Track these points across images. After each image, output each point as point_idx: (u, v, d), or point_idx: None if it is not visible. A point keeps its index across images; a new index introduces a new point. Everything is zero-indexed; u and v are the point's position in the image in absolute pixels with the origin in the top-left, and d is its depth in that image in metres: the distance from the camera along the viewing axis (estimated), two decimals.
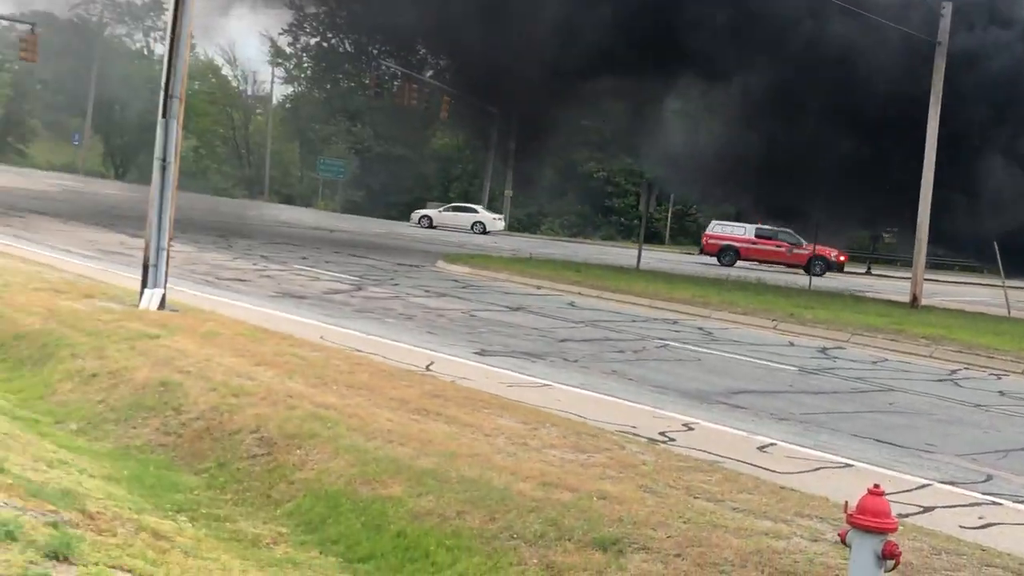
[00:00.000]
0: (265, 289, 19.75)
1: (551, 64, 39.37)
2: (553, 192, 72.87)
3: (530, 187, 71.23)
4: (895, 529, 5.41)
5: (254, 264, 24.58)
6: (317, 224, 49.69)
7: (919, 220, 28.83)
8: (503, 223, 61.08)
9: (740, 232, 46.39)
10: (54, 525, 5.34)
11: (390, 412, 9.11)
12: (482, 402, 9.98)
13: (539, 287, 25.73)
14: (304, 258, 27.97)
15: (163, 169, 14.00)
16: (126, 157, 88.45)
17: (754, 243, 45.90)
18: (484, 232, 57.78)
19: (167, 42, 14.33)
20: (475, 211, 60.81)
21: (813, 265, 41.05)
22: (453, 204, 63.43)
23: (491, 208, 68.24)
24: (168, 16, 14.37)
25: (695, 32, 35.20)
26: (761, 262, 45.30)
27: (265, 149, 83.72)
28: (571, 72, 39.87)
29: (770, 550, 6.28)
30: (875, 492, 5.44)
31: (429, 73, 67.39)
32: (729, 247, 45.96)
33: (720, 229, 47.12)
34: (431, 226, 59.28)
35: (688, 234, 73.45)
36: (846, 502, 5.54)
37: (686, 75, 41.27)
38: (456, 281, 25.61)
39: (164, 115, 13.97)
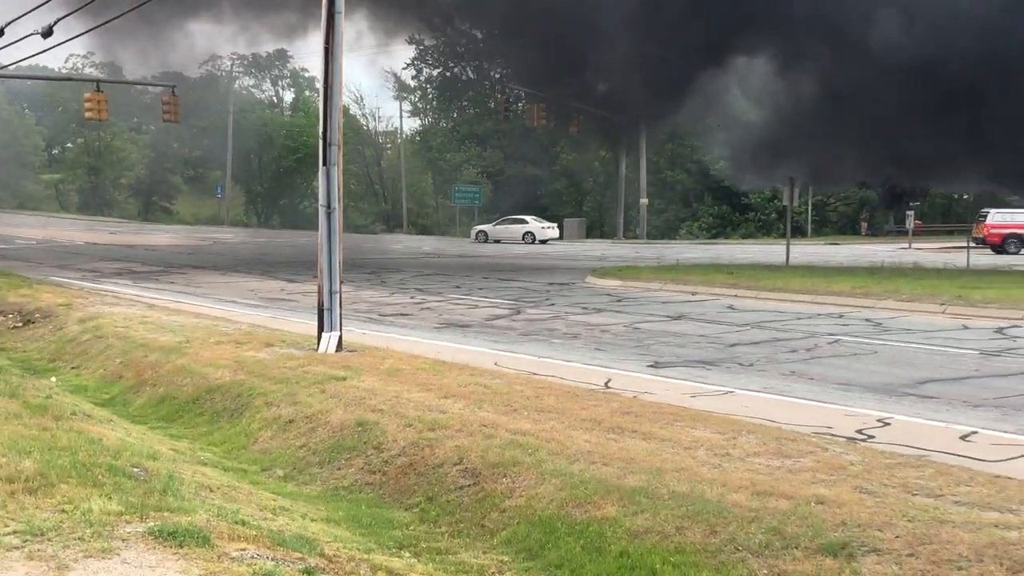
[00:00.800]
0: (428, 321, 20.13)
1: (660, 63, 38.75)
2: (689, 195, 72.41)
3: (667, 192, 70.98)
4: None
5: (411, 297, 25.06)
6: (461, 252, 50.39)
7: None
8: (555, 231, 63.19)
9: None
10: (308, 572, 5.58)
11: (585, 433, 9.21)
12: (672, 415, 10.01)
13: (694, 293, 25.58)
14: (457, 287, 28.39)
15: (328, 215, 14.44)
16: (267, 204, 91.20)
17: None
18: (535, 242, 60.41)
19: (321, 93, 14.79)
20: (525, 222, 63.39)
21: None
22: (506, 217, 65.66)
23: (628, 218, 68.28)
24: (320, 68, 14.83)
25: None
26: None
27: (399, 183, 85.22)
28: (677, 69, 39.14)
29: (1004, 542, 6.17)
30: None
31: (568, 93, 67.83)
32: (1014, 235, 44.75)
33: (1002, 218, 45.94)
34: (487, 240, 62.43)
35: (829, 223, 72.11)
36: None
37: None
38: (610, 295, 25.66)
39: (324, 163, 14.40)
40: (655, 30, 35.95)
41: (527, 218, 64.50)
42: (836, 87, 34.23)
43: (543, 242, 60.88)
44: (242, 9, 48.83)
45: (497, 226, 63.95)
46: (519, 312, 21.66)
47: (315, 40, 36.23)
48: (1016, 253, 42.87)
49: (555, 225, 63.98)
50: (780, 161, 39.17)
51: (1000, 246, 44.85)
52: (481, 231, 64.32)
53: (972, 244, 43.99)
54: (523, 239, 61.12)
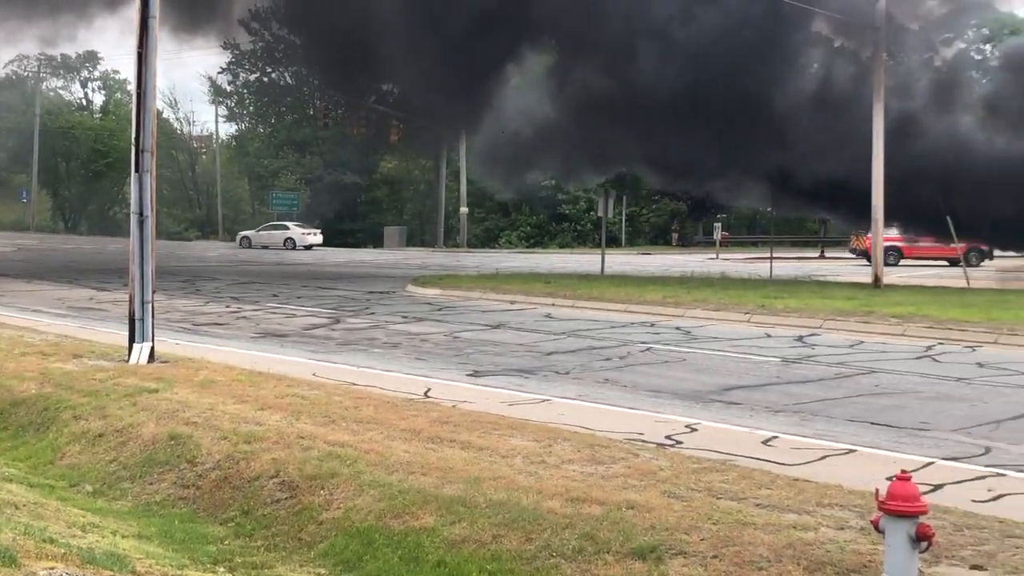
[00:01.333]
0: (245, 331, 19.80)
1: (454, 71, 38.82)
2: (508, 204, 73.23)
3: (487, 201, 71.54)
4: (926, 511, 5.67)
5: (227, 307, 24.59)
6: (279, 260, 49.67)
7: (874, 203, 29.31)
8: (318, 236, 64.68)
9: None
10: None
11: (405, 443, 9.26)
12: (490, 424, 10.15)
13: (513, 302, 25.95)
14: (275, 295, 28.01)
15: (141, 223, 14.05)
16: (76, 209, 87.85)
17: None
18: (295, 247, 62.17)
19: (134, 97, 14.40)
20: (287, 228, 65.25)
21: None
22: (268, 224, 67.81)
23: (448, 226, 68.60)
24: (132, 71, 14.45)
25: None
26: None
27: (215, 189, 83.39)
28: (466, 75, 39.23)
29: (801, 542, 6.50)
30: (903, 478, 5.69)
31: (372, 98, 67.46)
32: (892, 248, 46.37)
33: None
34: (250, 245, 64.22)
35: (642, 234, 74.09)
36: (876, 489, 5.79)
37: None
38: (431, 304, 25.77)
39: (137, 169, 14.02)
40: (444, 37, 35.84)
41: (288, 224, 66.20)
42: (606, 99, 34.81)
43: (307, 248, 62.36)
44: (47, 10, 46.82)
45: (260, 232, 65.90)
46: (338, 321, 21.52)
47: (129, 42, 35.29)
48: (894, 264, 45.09)
49: (318, 231, 65.60)
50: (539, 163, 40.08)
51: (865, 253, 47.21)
52: (245, 236, 66.33)
53: (852, 255, 47.57)
54: (284, 245, 62.73)
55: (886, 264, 45.29)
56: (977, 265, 42.97)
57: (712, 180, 40.82)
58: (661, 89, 32.52)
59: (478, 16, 34.63)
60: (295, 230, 64.55)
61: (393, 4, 36.59)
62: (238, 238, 67.18)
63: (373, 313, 23.25)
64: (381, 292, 29.34)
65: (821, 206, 41.48)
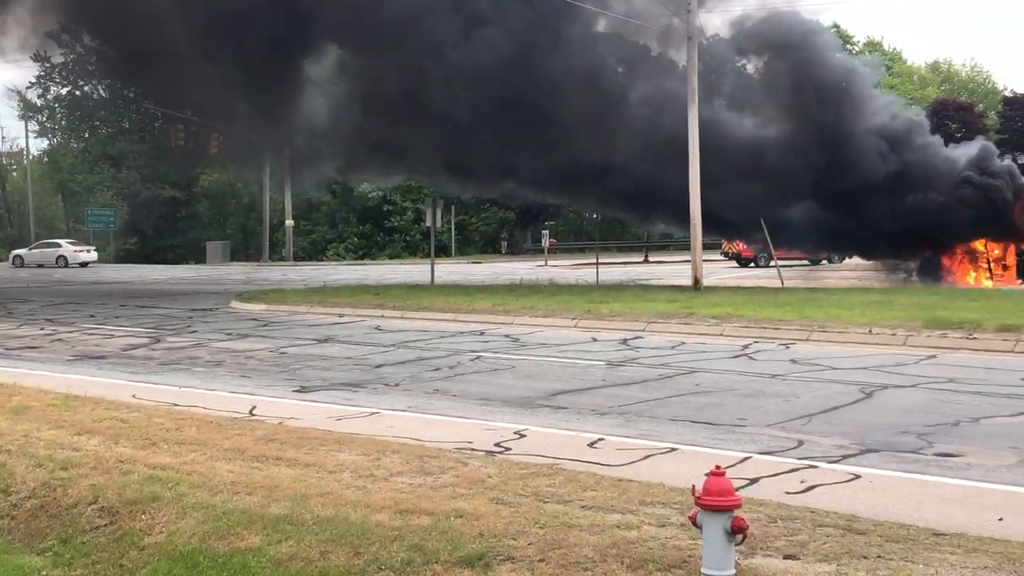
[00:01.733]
0: (60, 354, 19.07)
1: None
2: (335, 216, 72.64)
3: (313, 213, 70.75)
4: (740, 505, 5.88)
5: (41, 329, 23.67)
6: (98, 279, 48.02)
7: (691, 208, 30.16)
8: (92, 254, 65.14)
9: None
10: None
11: (229, 464, 9.09)
12: (317, 440, 10.05)
13: (341, 315, 25.75)
14: (92, 316, 27.08)
15: None
16: None
17: None
18: (67, 265, 62.41)
19: None
20: (59, 245, 65.96)
21: None
22: (41, 241, 68.35)
23: (274, 240, 67.54)
24: None
25: None
26: None
27: (26, 207, 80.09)
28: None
29: (625, 541, 6.66)
30: (717, 473, 5.90)
31: (189, 111, 65.78)
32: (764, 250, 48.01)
33: None
34: (23, 264, 64.16)
35: (472, 243, 74.52)
36: (693, 486, 5.98)
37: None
38: (256, 320, 25.34)
39: None
40: (234, 45, 35.01)
41: (60, 242, 66.96)
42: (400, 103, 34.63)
43: (83, 264, 62.42)
44: None
45: (33, 250, 65.83)
46: (159, 341, 20.95)
47: None
48: (767, 266, 46.63)
49: (92, 248, 65.78)
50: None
51: (752, 259, 49.45)
52: (17, 256, 66.07)
53: (725, 256, 50.20)
54: (56, 263, 62.72)
55: (758, 266, 47.59)
56: (834, 261, 45.26)
57: (523, 186, 41.26)
58: (460, 96, 32.51)
59: (263, 24, 33.91)
60: (67, 247, 64.84)
61: (178, 11, 35.49)
62: (11, 257, 66.68)
63: (195, 331, 22.73)
64: (204, 309, 28.70)
65: (640, 213, 42.35)
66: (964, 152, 35.80)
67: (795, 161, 32.89)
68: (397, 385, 14.63)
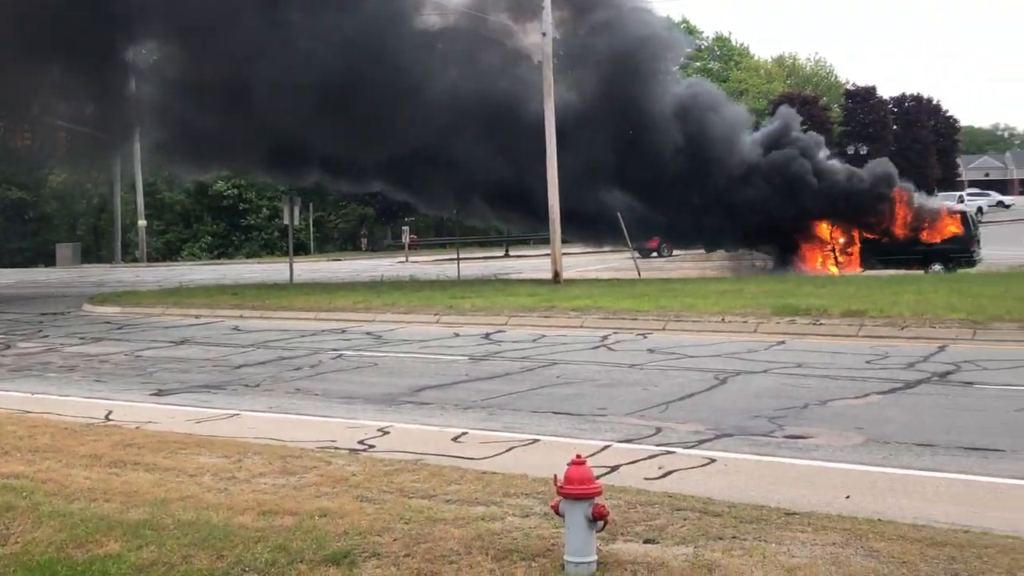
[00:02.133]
0: None
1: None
2: (189, 215, 71.14)
3: (167, 213, 69.12)
4: (600, 492, 6.04)
5: None
6: None
7: (550, 203, 30.49)
8: None
9: None
10: None
11: (85, 470, 8.89)
12: (177, 443, 9.91)
13: (198, 316, 25.29)
14: None
15: None
16: None
17: None
18: None
19: None
20: None
21: None
22: None
23: (127, 241, 65.78)
24: None
25: None
26: None
27: None
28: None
29: (489, 533, 6.76)
30: (578, 462, 6.05)
31: (36, 108, 63.55)
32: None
33: None
34: None
35: (332, 240, 73.86)
36: (555, 475, 6.11)
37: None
38: (110, 323, 24.69)
39: None
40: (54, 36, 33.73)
41: None
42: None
43: None
44: None
45: None
46: (8, 347, 20.26)
47: None
48: (669, 256, 48.05)
49: None
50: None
51: (656, 249, 49.37)
52: None
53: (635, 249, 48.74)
54: None
55: (659, 256, 48.33)
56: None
57: (361, 180, 40.78)
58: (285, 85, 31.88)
59: (80, 12, 32.65)
60: None
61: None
62: None
63: (47, 336, 22.05)
64: (56, 313, 27.84)
65: (498, 211, 42.32)
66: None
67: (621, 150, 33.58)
68: (258, 386, 14.47)
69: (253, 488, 8.12)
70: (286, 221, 36.04)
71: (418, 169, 35.88)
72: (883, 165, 37.05)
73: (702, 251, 45.59)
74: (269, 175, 49.39)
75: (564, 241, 33.36)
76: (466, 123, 32.95)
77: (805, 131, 39.23)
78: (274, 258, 62.63)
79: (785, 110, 40.69)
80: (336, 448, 9.89)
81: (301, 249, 64.24)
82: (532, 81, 33.31)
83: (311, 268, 47.79)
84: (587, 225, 36.61)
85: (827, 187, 34.47)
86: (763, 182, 34.32)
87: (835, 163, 37.87)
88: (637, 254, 38.00)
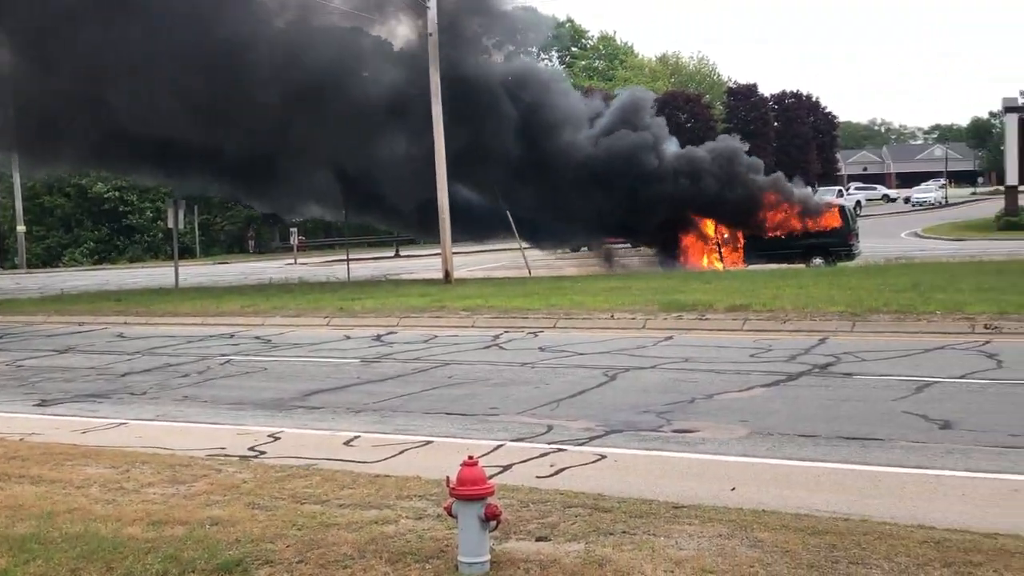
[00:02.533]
0: None
1: None
2: (70, 220, 69.35)
3: (47, 218, 67.22)
4: (493, 492, 6.12)
5: None
6: None
7: (440, 203, 30.54)
8: None
9: None
10: None
11: None
12: (62, 454, 9.71)
13: (81, 323, 24.70)
14: None
15: None
16: None
17: None
18: None
19: None
20: None
21: None
22: None
23: (4, 247, 63.88)
24: None
25: None
26: None
27: None
28: None
29: (383, 536, 6.79)
30: (470, 463, 6.12)
31: None
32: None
33: None
34: None
35: (218, 243, 72.70)
36: (447, 477, 6.17)
37: None
38: None
39: None
40: None
41: None
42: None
43: None
44: None
45: None
46: None
47: None
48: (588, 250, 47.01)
49: None
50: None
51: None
52: None
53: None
54: None
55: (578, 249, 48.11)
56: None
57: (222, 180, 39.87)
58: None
59: None
60: None
61: None
62: None
63: None
64: None
65: (378, 213, 41.75)
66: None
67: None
68: (144, 394, 14.22)
69: (142, 498, 8.01)
70: (170, 224, 35.38)
71: (255, 166, 35.20)
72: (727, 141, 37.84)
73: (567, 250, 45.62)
74: (138, 174, 47.96)
75: (455, 240, 33.31)
76: (298, 110, 32.14)
77: (689, 129, 39.70)
78: (159, 262, 61.51)
79: (631, 95, 40.52)
80: (226, 455, 9.81)
81: (186, 253, 63.17)
82: (368, 61, 33.13)
83: (197, 272, 47.05)
84: (470, 223, 36.58)
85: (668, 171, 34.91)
86: (610, 173, 34.38)
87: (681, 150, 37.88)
88: (525, 244, 37.89)
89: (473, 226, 36.24)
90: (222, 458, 9.63)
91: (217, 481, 8.43)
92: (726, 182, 34.89)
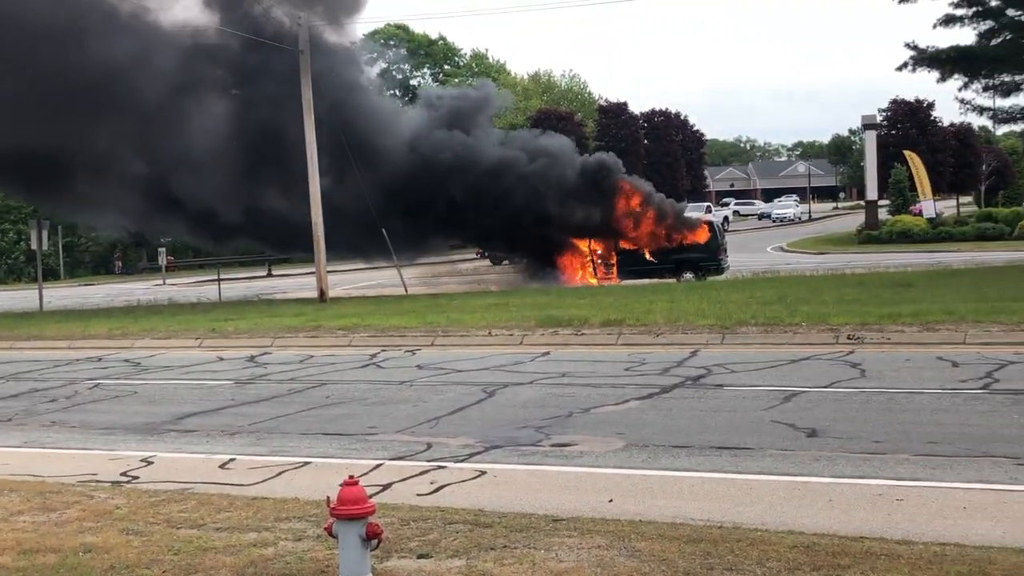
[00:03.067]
0: None
1: None
2: None
3: None
4: (373, 511, 6.11)
5: None
6: None
7: (314, 221, 30.31)
8: None
9: None
10: None
11: None
12: None
13: None
14: None
15: None
16: None
17: None
18: None
19: None
20: None
21: None
22: None
23: None
24: None
25: None
26: None
27: None
28: None
29: (262, 559, 6.72)
30: (350, 483, 6.10)
31: None
32: None
33: None
34: None
35: (83, 264, 70.73)
36: (328, 497, 6.15)
37: None
38: None
39: None
40: None
41: None
42: None
43: None
44: None
45: None
46: None
47: None
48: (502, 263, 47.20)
49: None
50: None
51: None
52: None
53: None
54: None
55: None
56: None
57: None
58: None
59: None
60: None
61: None
62: None
63: None
64: None
65: (247, 235, 40.81)
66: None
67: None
68: (10, 420, 13.77)
69: (12, 527, 7.78)
70: (33, 245, 34.34)
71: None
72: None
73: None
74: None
75: (330, 259, 33.04)
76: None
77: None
78: (21, 284, 59.57)
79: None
80: (98, 481, 9.58)
81: (50, 275, 61.30)
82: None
83: (62, 294, 45.69)
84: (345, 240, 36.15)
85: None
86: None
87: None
88: (400, 270, 37.90)
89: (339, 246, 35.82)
90: (94, 484, 9.40)
91: (89, 507, 8.23)
92: (592, 196, 35.43)
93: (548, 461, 9.81)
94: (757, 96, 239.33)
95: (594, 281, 35.44)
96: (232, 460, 10.42)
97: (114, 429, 12.73)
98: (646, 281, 32.45)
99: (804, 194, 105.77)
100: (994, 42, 30.23)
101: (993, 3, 30.02)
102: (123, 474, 9.95)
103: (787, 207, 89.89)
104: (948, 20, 30.78)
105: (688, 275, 33.95)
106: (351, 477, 6.15)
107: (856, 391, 12.60)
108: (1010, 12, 30.29)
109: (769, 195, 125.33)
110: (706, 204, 79.75)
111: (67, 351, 22.21)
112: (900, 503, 7.77)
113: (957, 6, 30.51)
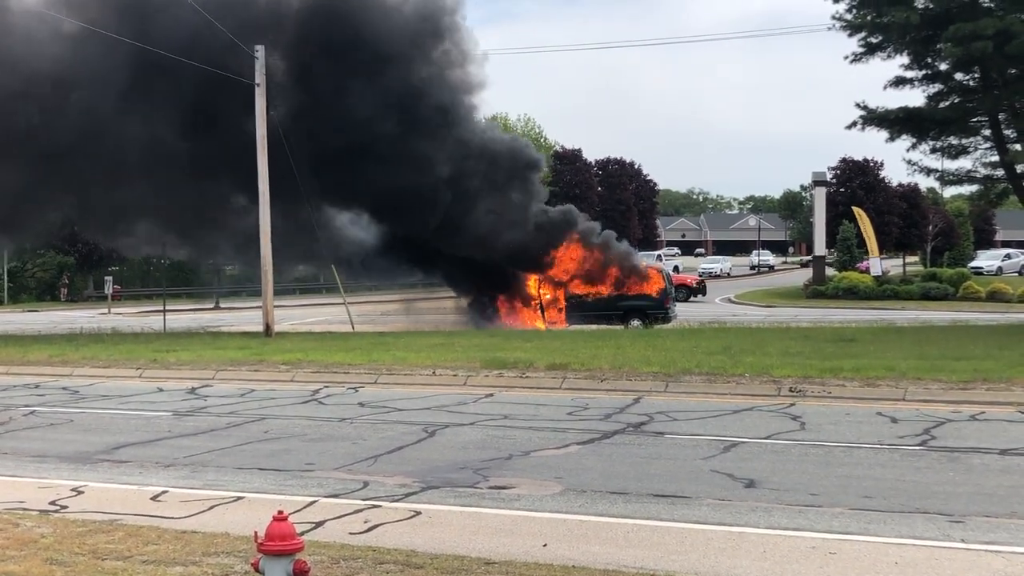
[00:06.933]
0: None
1: None
2: None
3: None
4: (301, 548, 6.03)
5: None
6: None
7: (263, 254, 30.09)
8: None
9: None
10: None
11: None
12: None
13: None
14: None
15: None
16: None
17: None
18: None
19: None
20: None
21: None
22: None
23: None
24: None
25: None
26: None
27: None
28: None
29: None
30: (279, 518, 6.02)
31: None
32: None
33: None
34: None
35: (28, 290, 69.70)
36: (255, 532, 6.05)
37: None
38: None
39: None
40: None
41: None
42: None
43: None
44: None
45: None
46: None
47: None
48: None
49: None
50: None
51: None
52: None
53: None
54: None
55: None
56: None
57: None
58: None
59: None
60: None
61: None
62: None
63: None
64: None
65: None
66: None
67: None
68: None
69: None
70: None
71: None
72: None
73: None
74: None
75: (278, 293, 32.84)
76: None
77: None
78: None
79: None
80: (25, 509, 9.38)
81: None
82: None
83: (4, 319, 45.04)
84: None
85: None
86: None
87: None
88: (347, 304, 37.73)
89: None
90: (20, 512, 9.20)
91: (14, 535, 8.05)
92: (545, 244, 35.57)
93: (485, 503, 9.74)
94: (709, 149, 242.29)
95: (542, 325, 35.46)
96: (165, 492, 10.26)
97: (46, 457, 12.50)
98: (594, 327, 32.50)
99: (749, 248, 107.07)
100: (942, 105, 30.75)
101: (943, 67, 30.56)
102: (52, 503, 9.76)
103: (715, 262, 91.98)
104: (898, 81, 31.28)
105: (636, 322, 34.09)
106: (280, 512, 6.07)
107: (795, 443, 12.67)
108: (958, 76, 30.85)
109: (721, 247, 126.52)
110: (657, 253, 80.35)
111: (4, 376, 21.82)
112: (833, 556, 7.79)
113: (908, 68, 31.06)
